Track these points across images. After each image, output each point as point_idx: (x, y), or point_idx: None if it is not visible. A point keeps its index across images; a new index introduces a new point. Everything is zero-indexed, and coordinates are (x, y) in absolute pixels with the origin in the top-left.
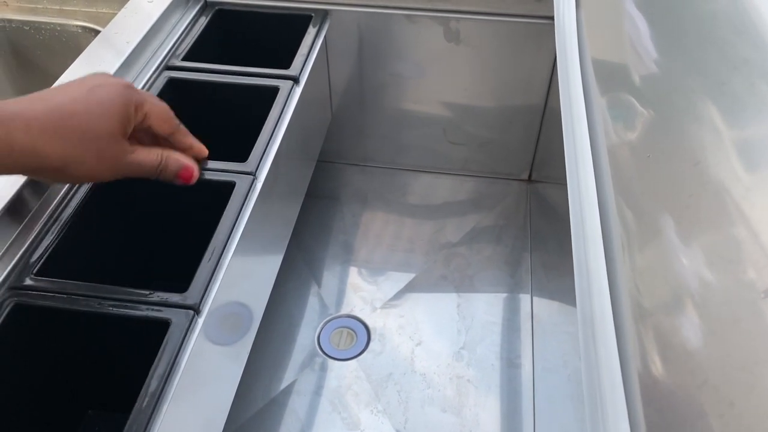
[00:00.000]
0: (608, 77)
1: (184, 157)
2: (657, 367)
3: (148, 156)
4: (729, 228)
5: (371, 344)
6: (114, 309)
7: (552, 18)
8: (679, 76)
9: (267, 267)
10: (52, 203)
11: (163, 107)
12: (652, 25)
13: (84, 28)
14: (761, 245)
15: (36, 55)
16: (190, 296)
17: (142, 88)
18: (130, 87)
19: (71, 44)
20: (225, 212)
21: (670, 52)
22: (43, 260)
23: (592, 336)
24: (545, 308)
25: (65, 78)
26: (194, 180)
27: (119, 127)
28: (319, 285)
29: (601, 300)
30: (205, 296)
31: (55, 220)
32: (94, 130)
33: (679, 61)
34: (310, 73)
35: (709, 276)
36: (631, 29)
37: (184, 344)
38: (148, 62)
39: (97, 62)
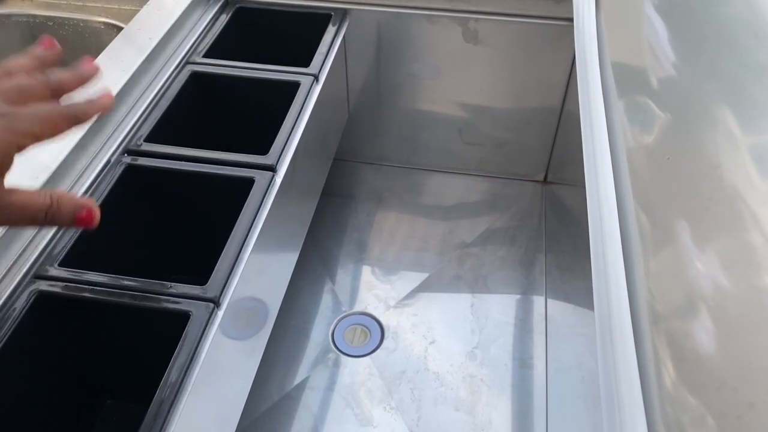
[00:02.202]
0: (628, 80)
1: (80, 198)
2: (674, 369)
3: (32, 198)
4: (746, 232)
5: (385, 342)
6: (135, 301)
7: (571, 20)
8: (698, 80)
9: (283, 263)
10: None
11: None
12: (671, 29)
13: (106, 24)
14: None
15: None
16: (210, 289)
17: (165, 82)
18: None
19: (93, 40)
20: (244, 208)
21: (689, 55)
22: (66, 251)
23: (609, 338)
24: (559, 309)
25: None
26: (95, 222)
27: None
28: (333, 282)
29: (619, 302)
30: (225, 289)
31: None
32: None
33: (697, 65)
34: (329, 71)
35: (725, 280)
36: (651, 33)
37: (204, 336)
38: (169, 58)
39: (120, 58)
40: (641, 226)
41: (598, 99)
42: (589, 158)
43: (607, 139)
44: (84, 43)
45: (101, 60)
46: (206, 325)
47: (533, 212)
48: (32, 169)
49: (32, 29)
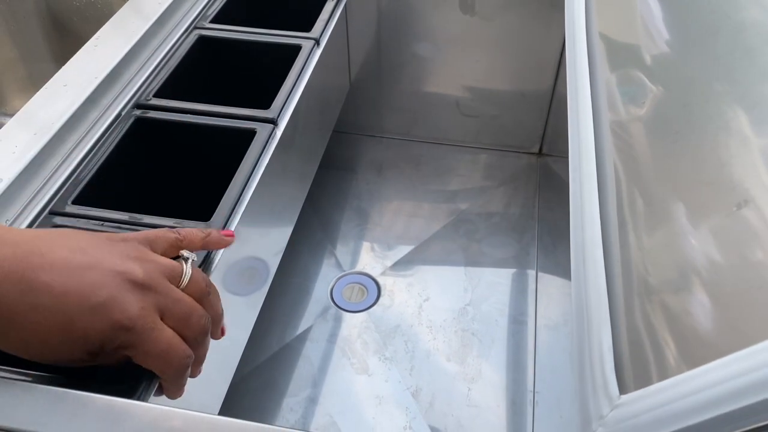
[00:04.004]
0: (615, 52)
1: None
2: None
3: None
4: (738, 205)
5: (381, 299)
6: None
7: None
8: (688, 55)
9: (283, 217)
10: (89, 142)
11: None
12: (664, 4)
13: None
14: None
15: (72, 21)
16: (213, 225)
17: (173, 45)
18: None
19: (106, 11)
20: (245, 156)
21: (679, 31)
22: (79, 190)
23: (585, 307)
24: (550, 272)
25: (101, 33)
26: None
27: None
28: (333, 246)
29: (595, 273)
30: (227, 226)
31: (93, 157)
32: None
33: (687, 41)
34: (330, 37)
35: (717, 255)
36: (643, 6)
37: (208, 266)
38: (178, 23)
39: (129, 22)
40: (631, 202)
41: (584, 70)
42: (574, 130)
43: (591, 110)
44: (97, 12)
45: (110, 25)
46: (206, 257)
47: (528, 183)
48: (46, 118)
49: (47, 1)
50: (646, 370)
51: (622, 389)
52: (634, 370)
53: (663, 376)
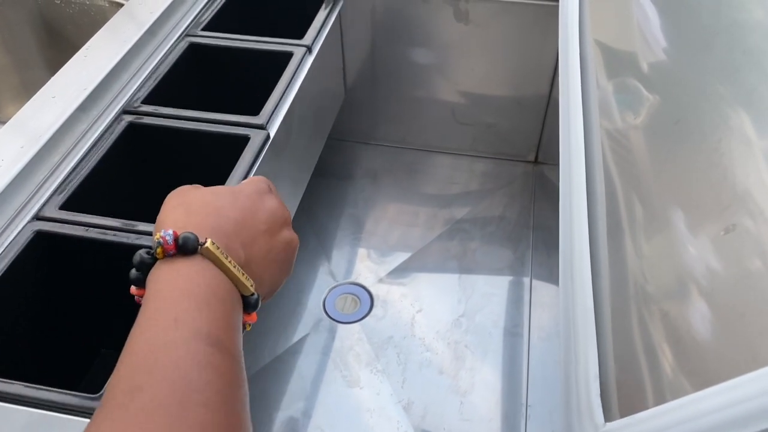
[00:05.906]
0: (610, 60)
1: None
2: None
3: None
4: (736, 216)
5: (374, 310)
6: (129, 240)
7: None
8: (686, 62)
9: None
10: (78, 153)
11: None
12: (661, 13)
13: (112, 2)
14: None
15: (66, 29)
16: None
17: (163, 56)
18: None
19: (99, 18)
20: (240, 158)
21: (676, 36)
22: (68, 196)
23: (573, 332)
24: (544, 282)
25: (92, 42)
26: None
27: None
28: (327, 255)
29: (583, 290)
30: None
31: (83, 164)
32: None
33: (684, 49)
34: (322, 44)
35: (716, 263)
36: (639, 14)
37: None
38: (170, 32)
39: (122, 30)
40: (629, 211)
41: (576, 79)
42: (565, 138)
43: (582, 120)
44: (90, 20)
45: (103, 32)
46: None
47: (523, 191)
48: (34, 130)
49: (40, 8)
50: (632, 398)
51: (608, 417)
52: (619, 397)
53: (649, 404)
